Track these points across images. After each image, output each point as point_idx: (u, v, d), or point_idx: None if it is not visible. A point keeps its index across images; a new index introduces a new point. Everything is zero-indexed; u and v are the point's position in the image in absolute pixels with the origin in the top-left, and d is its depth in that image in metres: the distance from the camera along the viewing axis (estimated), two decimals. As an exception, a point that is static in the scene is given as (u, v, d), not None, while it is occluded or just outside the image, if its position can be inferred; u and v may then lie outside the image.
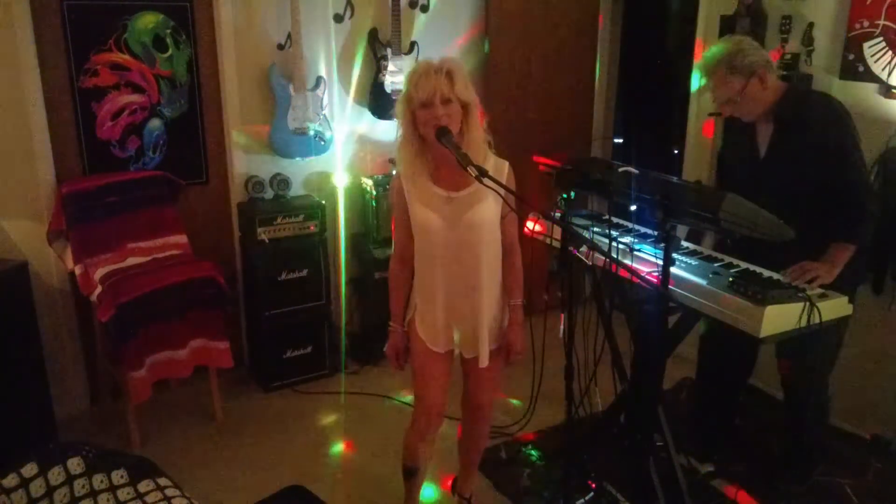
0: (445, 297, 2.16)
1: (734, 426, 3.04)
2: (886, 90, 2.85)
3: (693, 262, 2.34)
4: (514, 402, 3.34)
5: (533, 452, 3.01)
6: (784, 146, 2.45)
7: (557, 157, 2.51)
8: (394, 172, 2.29)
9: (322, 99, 3.52)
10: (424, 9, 3.78)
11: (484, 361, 2.20)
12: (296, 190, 3.67)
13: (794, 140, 2.42)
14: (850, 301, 2.20)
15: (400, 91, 2.09)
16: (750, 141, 2.56)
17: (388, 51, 3.60)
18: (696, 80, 3.60)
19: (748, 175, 2.56)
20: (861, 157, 2.40)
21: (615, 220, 2.49)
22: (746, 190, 2.08)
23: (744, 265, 2.33)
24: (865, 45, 2.89)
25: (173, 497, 1.84)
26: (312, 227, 3.51)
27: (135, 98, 3.27)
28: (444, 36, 3.86)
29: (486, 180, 1.85)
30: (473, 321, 2.18)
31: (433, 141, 1.99)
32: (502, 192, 1.98)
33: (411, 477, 2.43)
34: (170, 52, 3.30)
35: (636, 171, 2.14)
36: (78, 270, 3.03)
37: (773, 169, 2.49)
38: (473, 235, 2.10)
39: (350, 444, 3.13)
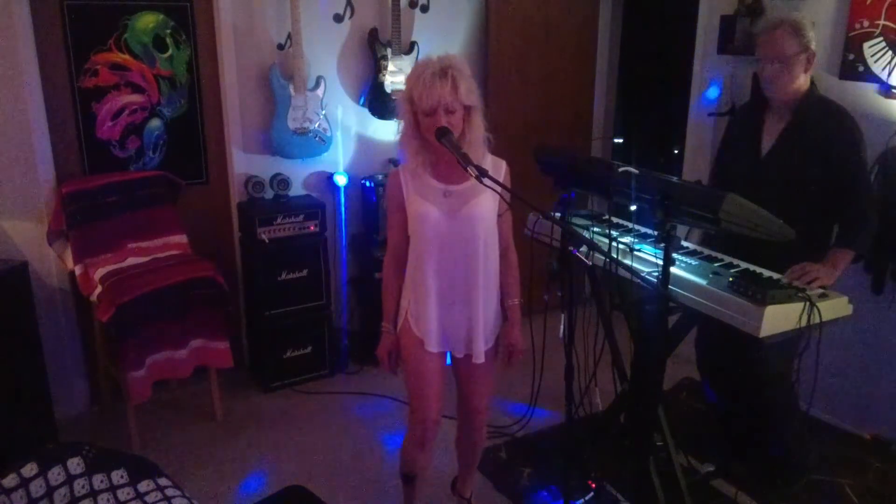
0: (439, 293, 2.13)
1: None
2: (886, 90, 2.85)
3: (693, 262, 2.34)
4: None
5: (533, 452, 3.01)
6: (792, 143, 2.45)
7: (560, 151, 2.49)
8: (392, 169, 2.27)
9: (322, 99, 3.52)
10: (424, 9, 3.78)
11: (479, 357, 2.18)
12: (296, 190, 3.67)
13: (805, 139, 2.42)
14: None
15: (400, 91, 2.09)
16: (752, 138, 2.56)
17: (388, 51, 3.60)
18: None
19: (745, 173, 2.56)
20: (867, 170, 2.43)
21: (615, 220, 2.48)
22: (742, 188, 2.07)
23: (744, 265, 2.33)
24: (865, 45, 2.89)
25: (173, 497, 1.84)
26: (312, 227, 3.51)
27: (135, 98, 3.27)
28: (444, 36, 3.86)
29: (485, 180, 1.86)
30: (469, 317, 2.16)
31: (434, 141, 2.00)
32: (499, 190, 1.98)
33: (410, 482, 2.42)
34: (170, 52, 3.30)
35: (636, 171, 2.14)
36: (78, 270, 3.03)
37: (773, 167, 2.49)
38: (471, 229, 2.09)
39: (350, 444, 3.13)
